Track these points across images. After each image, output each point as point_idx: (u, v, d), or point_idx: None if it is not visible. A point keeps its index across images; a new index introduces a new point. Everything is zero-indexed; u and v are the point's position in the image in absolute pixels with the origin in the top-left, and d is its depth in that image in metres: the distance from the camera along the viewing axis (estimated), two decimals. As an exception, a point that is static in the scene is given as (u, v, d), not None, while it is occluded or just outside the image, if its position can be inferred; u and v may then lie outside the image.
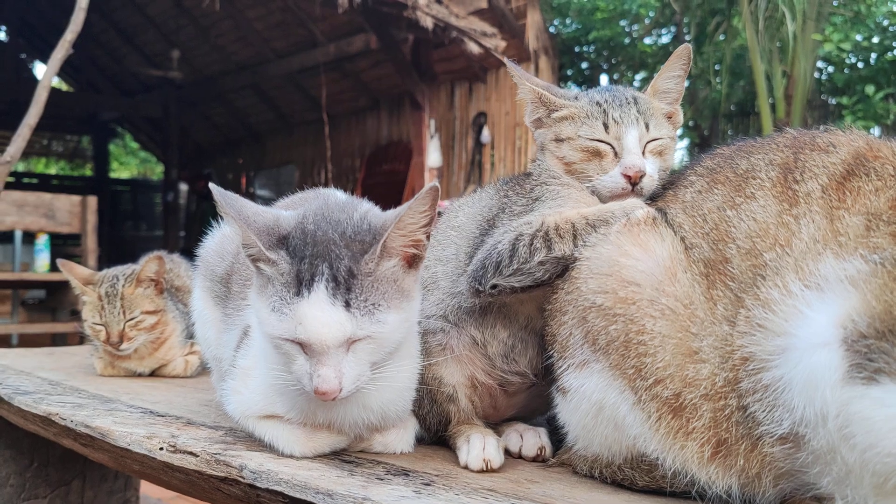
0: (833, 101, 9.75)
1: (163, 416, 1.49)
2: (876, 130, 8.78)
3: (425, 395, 1.22)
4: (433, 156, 10.35)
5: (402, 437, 1.21)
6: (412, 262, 1.07)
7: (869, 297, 0.79)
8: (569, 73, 11.64)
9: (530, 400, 1.30)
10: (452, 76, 11.16)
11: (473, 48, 9.63)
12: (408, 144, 11.71)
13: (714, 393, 0.89)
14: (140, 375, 2.13)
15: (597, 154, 1.19)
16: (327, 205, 1.11)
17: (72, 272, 2.10)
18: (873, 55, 9.36)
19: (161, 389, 1.88)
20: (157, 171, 17.80)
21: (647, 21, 11.07)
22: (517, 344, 1.22)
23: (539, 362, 1.23)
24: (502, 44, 9.98)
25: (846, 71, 9.72)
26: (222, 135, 13.71)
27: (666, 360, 0.92)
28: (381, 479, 1.06)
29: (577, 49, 11.38)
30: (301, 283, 1.01)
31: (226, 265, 1.42)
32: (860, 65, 9.67)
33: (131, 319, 2.05)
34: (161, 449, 1.27)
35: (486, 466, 1.10)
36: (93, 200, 5.86)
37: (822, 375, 0.79)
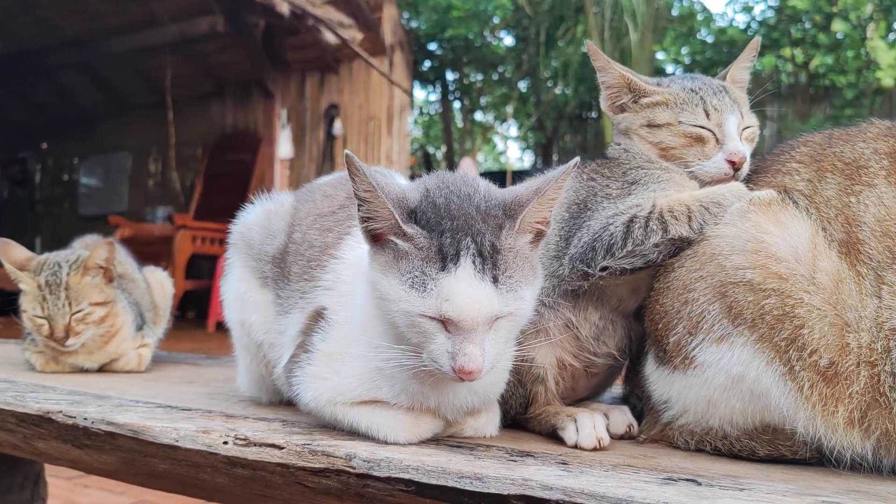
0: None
1: (188, 409, 1.35)
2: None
3: (513, 377, 1.20)
4: (284, 147, 10.05)
5: (491, 421, 1.19)
6: (538, 238, 1.05)
7: None
8: (422, 69, 11.76)
9: (603, 380, 1.32)
10: (304, 65, 10.90)
11: (330, 38, 9.45)
12: (255, 134, 11.30)
13: (872, 360, 0.96)
14: (87, 371, 1.92)
15: (699, 140, 1.23)
16: (447, 179, 1.06)
17: (6, 255, 1.85)
18: (699, 68, 10.24)
19: (133, 384, 1.71)
20: (-44, 153, 15.91)
21: (497, 22, 11.41)
22: (608, 326, 1.23)
23: (626, 343, 1.25)
24: (359, 35, 9.85)
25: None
26: (44, 116, 12.47)
27: (823, 331, 0.97)
28: (514, 461, 1.03)
29: (430, 46, 11.51)
30: (446, 258, 0.96)
31: (278, 244, 1.31)
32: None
33: (78, 312, 1.84)
34: (225, 443, 1.16)
35: (599, 444, 1.11)
36: None
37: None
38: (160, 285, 2.24)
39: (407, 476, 1.01)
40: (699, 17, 10.16)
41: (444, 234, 0.98)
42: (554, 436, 1.19)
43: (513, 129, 13.17)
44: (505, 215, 1.01)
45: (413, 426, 1.10)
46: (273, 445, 1.12)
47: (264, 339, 1.33)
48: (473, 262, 0.96)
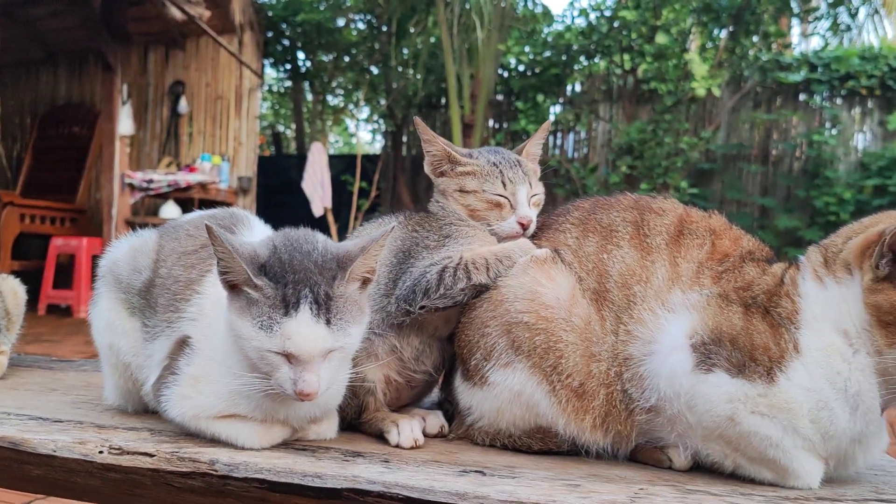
0: (510, 102, 11.10)
1: (60, 421, 1.52)
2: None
3: (348, 390, 1.47)
4: (125, 123, 9.66)
5: (331, 426, 1.46)
6: (364, 284, 1.33)
7: (705, 318, 1.26)
8: (272, 49, 11.66)
9: (422, 391, 1.62)
10: (147, 38, 10.52)
11: (176, 14, 9.17)
12: (91, 108, 10.82)
13: (608, 382, 1.31)
14: (-59, 381, 1.99)
15: (497, 205, 1.54)
16: (291, 237, 1.31)
17: None
18: (540, 68, 10.86)
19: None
20: None
21: (349, 4, 11.47)
22: (426, 349, 1.53)
23: (440, 363, 1.55)
24: (207, 13, 9.59)
25: (517, 78, 11.13)
26: None
27: (576, 360, 1.31)
28: (347, 460, 1.31)
29: (283, 27, 11.42)
30: (288, 305, 1.22)
31: (144, 279, 1.50)
32: (528, 74, 11.14)
33: (-62, 324, 1.92)
34: (101, 452, 1.35)
35: (416, 444, 1.41)
36: None
37: (679, 368, 1.25)
38: (13, 293, 2.31)
39: (261, 476, 1.26)
40: (541, 19, 10.77)
41: (287, 286, 1.23)
42: (381, 437, 1.47)
43: (364, 112, 13.33)
44: (338, 267, 1.28)
45: (266, 434, 1.35)
46: (145, 454, 1.33)
47: (132, 361, 1.52)
48: (310, 308, 1.22)
